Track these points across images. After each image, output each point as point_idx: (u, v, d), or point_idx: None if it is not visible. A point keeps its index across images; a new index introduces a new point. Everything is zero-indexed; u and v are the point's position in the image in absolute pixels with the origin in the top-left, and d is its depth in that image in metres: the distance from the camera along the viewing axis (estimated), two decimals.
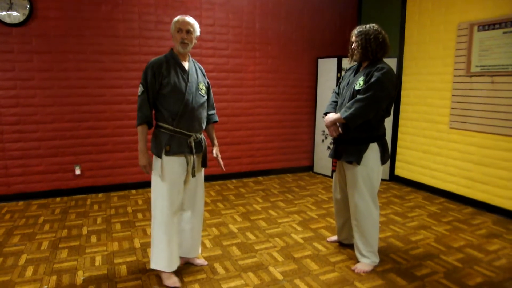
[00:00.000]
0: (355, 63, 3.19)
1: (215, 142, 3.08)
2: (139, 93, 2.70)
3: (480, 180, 4.48)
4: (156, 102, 2.74)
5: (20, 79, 4.49)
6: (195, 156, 2.82)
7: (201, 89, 2.84)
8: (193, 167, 2.81)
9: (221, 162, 3.05)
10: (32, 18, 4.44)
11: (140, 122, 2.69)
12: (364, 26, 3.00)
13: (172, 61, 2.74)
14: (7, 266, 3.05)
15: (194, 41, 2.81)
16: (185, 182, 2.87)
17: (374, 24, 3.01)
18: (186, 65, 2.80)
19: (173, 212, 2.78)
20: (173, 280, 2.79)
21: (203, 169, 3.00)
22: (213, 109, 3.06)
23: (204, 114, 2.89)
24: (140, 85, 2.70)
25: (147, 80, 2.67)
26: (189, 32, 2.73)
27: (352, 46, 3.04)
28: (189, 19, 2.75)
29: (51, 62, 4.59)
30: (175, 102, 2.69)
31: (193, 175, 2.83)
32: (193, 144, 2.78)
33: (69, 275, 2.93)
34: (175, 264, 2.83)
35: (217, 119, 3.09)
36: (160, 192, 2.73)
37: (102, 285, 2.80)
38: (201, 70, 2.95)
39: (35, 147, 4.64)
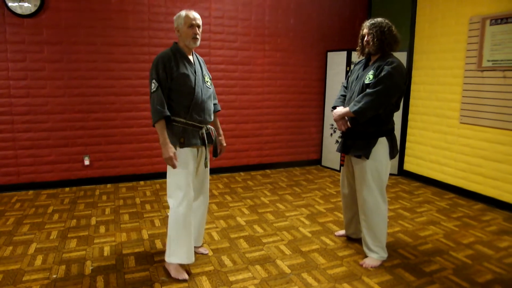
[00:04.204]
0: (363, 57, 3.15)
1: (221, 131, 3.12)
2: (154, 89, 2.64)
3: (491, 176, 4.43)
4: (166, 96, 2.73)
5: (31, 69, 4.51)
6: (207, 147, 2.89)
7: (207, 81, 2.87)
8: (206, 158, 2.89)
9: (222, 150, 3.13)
10: (43, 9, 4.45)
11: (158, 118, 2.62)
12: (375, 19, 2.97)
13: (179, 55, 2.74)
14: (16, 255, 3.09)
15: None
16: (196, 173, 2.92)
17: (384, 18, 2.98)
18: (191, 58, 2.82)
19: (191, 203, 2.79)
20: (181, 273, 2.81)
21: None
22: (215, 98, 3.12)
23: (211, 105, 2.93)
24: (153, 81, 2.65)
25: (159, 75, 2.64)
26: (199, 27, 2.76)
27: (365, 39, 3.00)
28: (197, 14, 2.78)
29: (62, 53, 4.61)
30: (186, 95, 2.71)
31: (206, 166, 2.91)
32: (205, 135, 2.84)
33: (78, 264, 2.96)
34: (193, 255, 2.84)
35: (220, 108, 3.16)
36: (177, 185, 2.74)
37: (110, 275, 2.82)
38: (203, 62, 2.97)
39: (45, 137, 4.68)
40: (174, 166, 2.67)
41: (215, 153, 3.07)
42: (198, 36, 2.74)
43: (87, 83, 4.76)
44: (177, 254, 2.78)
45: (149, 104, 2.72)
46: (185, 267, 2.90)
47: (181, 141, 2.71)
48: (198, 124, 2.78)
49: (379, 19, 2.96)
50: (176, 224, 2.75)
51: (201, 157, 2.90)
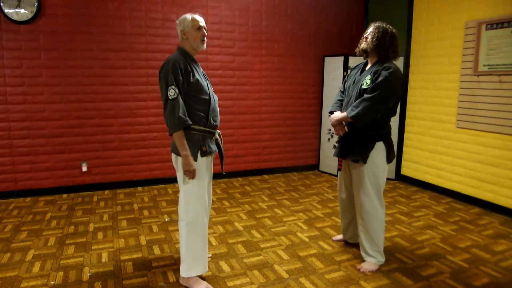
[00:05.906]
0: (360, 56, 3.15)
1: None
2: (174, 96, 2.49)
3: (488, 180, 4.45)
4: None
5: (28, 76, 4.51)
6: (221, 152, 2.89)
7: (211, 86, 2.85)
8: (221, 163, 2.89)
9: None
10: (40, 16, 4.47)
11: (180, 128, 2.51)
12: (384, 24, 2.99)
13: (189, 59, 2.66)
14: (14, 262, 3.08)
15: None
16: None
17: (393, 27, 3.00)
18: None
19: (208, 213, 2.78)
20: (202, 283, 2.73)
21: None
22: None
23: None
24: (172, 87, 2.49)
25: (177, 80, 2.52)
26: (205, 29, 2.72)
27: (366, 35, 3.02)
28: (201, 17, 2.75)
29: (59, 59, 4.62)
30: (202, 101, 2.64)
31: (224, 172, 2.87)
32: (219, 140, 2.83)
33: (76, 271, 2.95)
34: (207, 264, 2.82)
35: None
36: (196, 195, 2.67)
37: (108, 281, 2.82)
38: None
39: (42, 144, 4.67)
40: (193, 177, 2.60)
41: (221, 157, 2.96)
42: (205, 38, 2.71)
43: (84, 89, 4.77)
44: (194, 268, 2.72)
45: (164, 112, 2.55)
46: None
47: (204, 149, 2.64)
48: (213, 130, 2.74)
49: (387, 25, 2.98)
50: (194, 237, 2.68)
51: (211, 164, 2.86)
